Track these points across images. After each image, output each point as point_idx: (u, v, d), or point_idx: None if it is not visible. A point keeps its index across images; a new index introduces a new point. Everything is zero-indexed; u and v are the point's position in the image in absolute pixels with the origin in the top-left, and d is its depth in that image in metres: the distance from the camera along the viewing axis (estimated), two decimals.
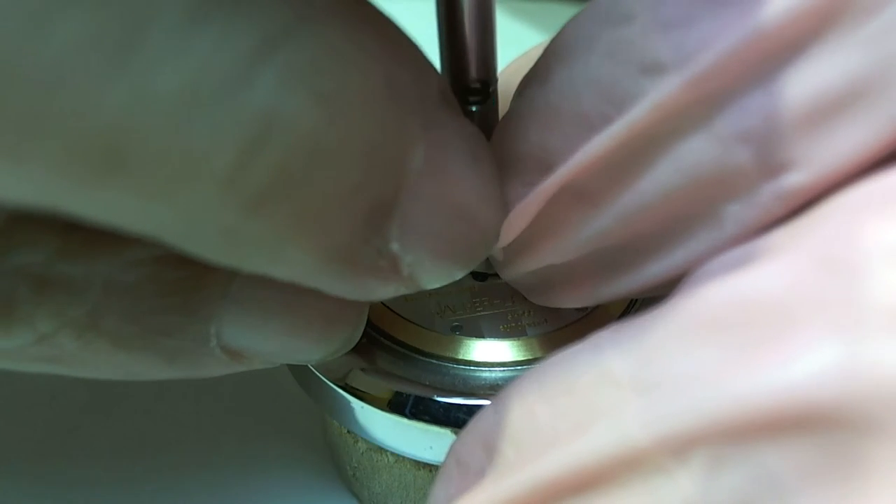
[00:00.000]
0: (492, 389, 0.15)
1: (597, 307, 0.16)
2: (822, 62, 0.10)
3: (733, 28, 0.10)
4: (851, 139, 0.10)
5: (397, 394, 0.15)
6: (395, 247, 0.11)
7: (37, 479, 0.18)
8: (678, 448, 0.09)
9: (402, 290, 0.12)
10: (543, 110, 0.12)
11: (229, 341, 0.13)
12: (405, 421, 0.15)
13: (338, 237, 0.10)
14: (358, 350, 0.15)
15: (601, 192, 0.12)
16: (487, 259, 0.15)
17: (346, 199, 0.10)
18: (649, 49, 0.11)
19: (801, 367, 0.09)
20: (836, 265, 0.09)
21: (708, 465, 0.09)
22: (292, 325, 0.13)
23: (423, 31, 0.13)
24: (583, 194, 0.12)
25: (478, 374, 0.15)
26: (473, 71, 0.14)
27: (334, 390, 0.15)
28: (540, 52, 0.13)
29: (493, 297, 0.16)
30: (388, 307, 0.16)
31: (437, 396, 0.15)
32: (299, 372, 0.16)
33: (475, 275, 0.17)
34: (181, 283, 0.13)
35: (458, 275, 0.12)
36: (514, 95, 0.13)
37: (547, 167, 0.12)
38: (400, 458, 0.16)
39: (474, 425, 0.11)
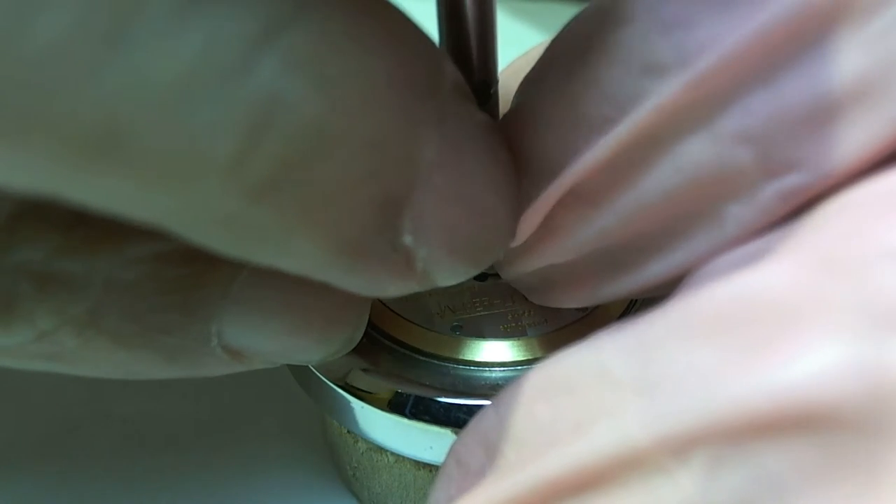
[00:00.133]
0: (492, 389, 0.15)
1: (597, 307, 0.16)
2: (822, 63, 0.10)
3: (734, 29, 0.10)
4: (852, 139, 0.10)
5: (397, 394, 0.15)
6: (408, 240, 0.11)
7: (37, 478, 0.18)
8: (678, 448, 0.09)
9: (416, 287, 0.11)
10: (545, 112, 0.12)
11: (230, 340, 0.13)
12: (405, 421, 0.15)
13: (348, 229, 0.10)
14: (358, 350, 0.15)
15: (602, 193, 0.12)
16: None
17: (354, 189, 0.10)
18: (650, 50, 0.11)
19: (802, 368, 0.09)
20: (838, 265, 0.09)
21: (708, 466, 0.09)
22: (293, 325, 0.13)
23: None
24: (583, 194, 0.12)
25: (478, 374, 0.15)
26: (474, 72, 0.14)
27: (334, 390, 0.15)
28: (540, 52, 0.13)
29: (493, 297, 0.16)
30: (388, 307, 0.16)
31: (438, 396, 0.15)
32: (299, 372, 0.16)
33: (475, 275, 0.17)
34: (182, 282, 0.13)
35: (474, 271, 0.12)
36: (514, 96, 0.13)
37: (550, 170, 0.12)
38: (400, 458, 0.16)
39: (474, 425, 0.11)
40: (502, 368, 0.15)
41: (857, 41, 0.10)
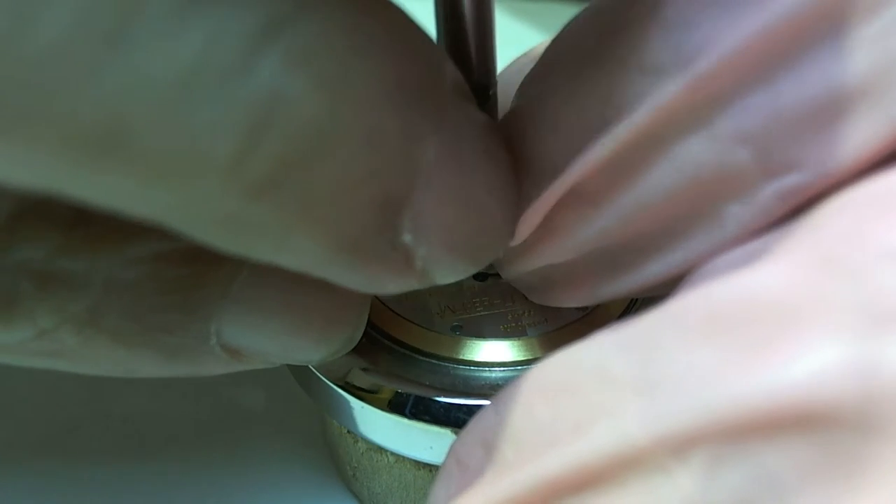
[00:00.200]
0: (492, 389, 0.15)
1: (597, 307, 0.16)
2: (822, 63, 0.10)
3: (734, 29, 0.10)
4: (852, 140, 0.10)
5: (397, 394, 0.15)
6: (407, 239, 0.11)
7: (37, 478, 0.18)
8: (678, 447, 0.09)
9: (416, 285, 0.11)
10: (544, 113, 0.12)
11: (229, 340, 0.13)
12: (405, 421, 0.15)
13: (348, 227, 0.10)
14: (358, 350, 0.15)
15: (602, 193, 0.12)
16: None
17: (354, 188, 0.10)
18: (650, 50, 0.11)
19: (801, 367, 0.09)
20: (838, 265, 0.09)
21: (708, 465, 0.09)
22: (292, 325, 0.13)
23: None
24: (583, 194, 0.12)
25: (478, 374, 0.15)
26: (473, 72, 0.14)
27: (334, 390, 0.15)
28: (540, 52, 0.13)
29: (493, 297, 0.16)
30: (388, 307, 0.16)
31: (438, 396, 0.15)
32: (299, 372, 0.16)
33: (475, 275, 0.17)
34: (182, 281, 0.13)
35: (472, 270, 0.12)
36: (514, 97, 0.13)
37: (549, 171, 0.12)
38: (400, 458, 0.16)
39: (474, 425, 0.11)
40: (502, 368, 0.15)
41: (856, 41, 0.10)
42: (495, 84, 0.14)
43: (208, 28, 0.08)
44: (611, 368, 0.10)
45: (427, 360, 0.15)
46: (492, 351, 0.15)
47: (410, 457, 0.15)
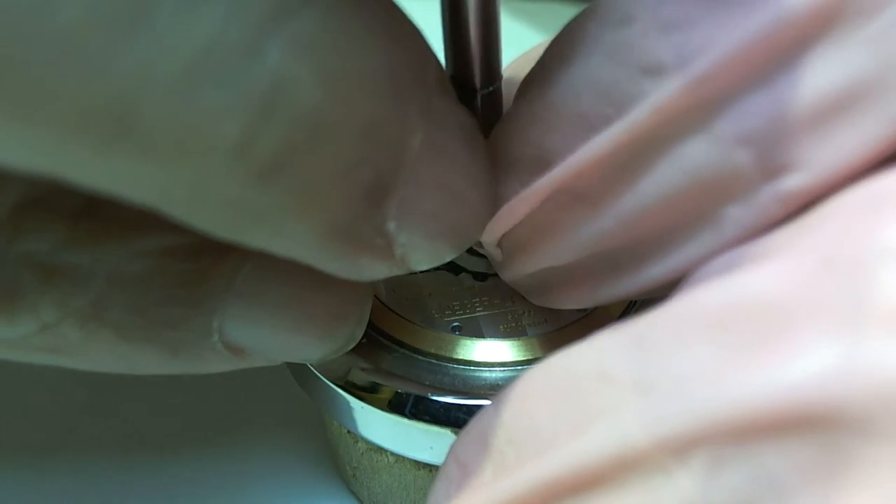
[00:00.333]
0: (492, 389, 0.15)
1: (597, 307, 0.16)
2: (822, 64, 0.10)
3: (734, 30, 0.10)
4: (852, 141, 0.10)
5: (397, 394, 0.15)
6: (391, 226, 0.11)
7: (37, 478, 0.18)
8: (678, 448, 0.09)
9: (393, 271, 0.12)
10: (543, 110, 0.12)
11: (232, 336, 0.13)
12: (405, 421, 0.15)
13: (339, 213, 0.10)
14: (358, 350, 0.15)
15: (600, 195, 0.12)
16: (487, 259, 0.15)
17: (347, 175, 0.10)
18: (650, 50, 0.11)
19: (800, 368, 0.09)
20: (837, 266, 0.09)
21: (708, 466, 0.09)
22: (295, 321, 0.13)
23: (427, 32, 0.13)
24: (582, 196, 0.12)
25: (478, 374, 0.15)
26: (477, 71, 0.14)
27: (334, 390, 0.15)
28: (540, 52, 0.13)
29: (493, 297, 0.16)
30: (388, 307, 0.16)
31: (438, 396, 0.15)
32: (299, 371, 0.16)
33: (476, 275, 0.17)
34: (186, 275, 0.13)
35: (447, 257, 0.12)
36: (515, 96, 0.13)
37: (545, 166, 0.12)
38: (400, 458, 0.16)
39: (474, 425, 0.11)
40: (502, 368, 0.15)
41: (855, 42, 0.10)
42: (500, 78, 0.14)
43: (221, 12, 0.08)
44: (610, 369, 0.10)
45: (427, 360, 0.15)
46: (492, 351, 0.15)
47: (410, 457, 0.15)
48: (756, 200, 0.11)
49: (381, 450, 0.16)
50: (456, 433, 0.14)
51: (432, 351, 0.15)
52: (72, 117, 0.08)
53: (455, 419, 0.14)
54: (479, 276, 0.17)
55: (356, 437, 0.16)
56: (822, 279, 0.09)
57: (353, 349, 0.14)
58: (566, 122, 0.12)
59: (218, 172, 0.09)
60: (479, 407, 0.14)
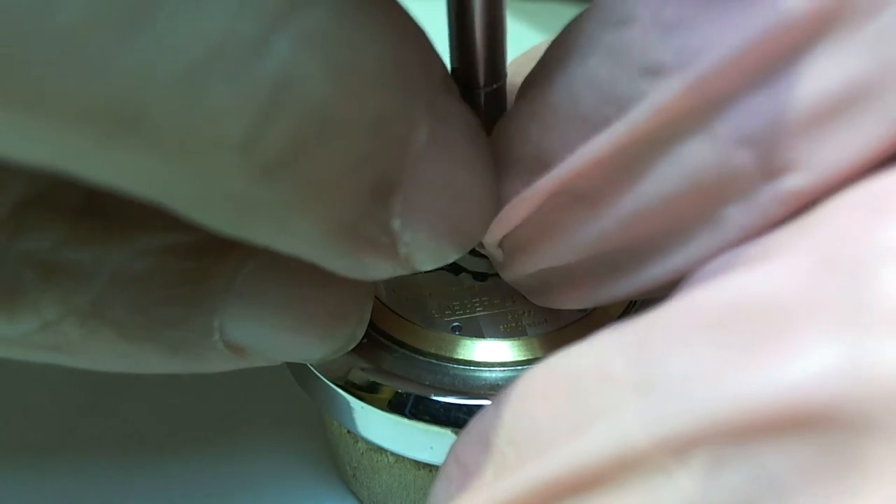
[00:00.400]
0: (492, 389, 0.15)
1: (597, 307, 0.16)
2: (822, 65, 0.10)
3: (734, 31, 0.10)
4: (852, 142, 0.10)
5: (397, 394, 0.15)
6: (396, 224, 0.11)
7: (37, 478, 0.18)
8: (678, 448, 0.09)
9: (398, 271, 0.12)
10: (544, 111, 0.12)
11: (232, 335, 0.13)
12: (405, 421, 0.15)
13: (344, 211, 0.10)
14: (358, 350, 0.15)
15: (601, 195, 0.12)
16: (488, 259, 0.15)
17: (354, 172, 0.10)
18: (650, 51, 0.11)
19: (800, 368, 0.09)
20: (837, 265, 0.09)
21: (708, 466, 0.09)
22: (296, 320, 0.13)
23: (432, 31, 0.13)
24: (582, 197, 0.12)
25: (478, 374, 0.15)
26: (482, 68, 0.14)
27: (334, 390, 0.15)
28: (540, 52, 0.13)
29: (493, 297, 0.16)
30: (388, 307, 0.16)
31: (438, 396, 0.15)
32: (299, 371, 0.16)
33: (475, 275, 0.17)
34: (188, 274, 0.13)
35: (451, 257, 0.12)
36: (515, 96, 0.13)
37: (544, 167, 0.12)
38: (400, 458, 0.16)
39: (474, 425, 0.11)
40: (502, 368, 0.15)
41: (855, 43, 0.10)
42: (504, 75, 0.14)
43: (227, 7, 0.08)
44: (610, 369, 0.10)
45: (427, 360, 0.15)
46: (492, 351, 0.15)
47: (410, 457, 0.15)
48: (756, 201, 0.11)
49: (381, 450, 0.16)
50: (456, 433, 0.14)
51: (432, 351, 0.15)
52: (75, 113, 0.08)
53: (455, 419, 0.14)
54: (480, 276, 0.17)
55: (356, 437, 0.16)
56: (822, 279, 0.09)
57: (353, 349, 0.14)
58: (566, 122, 0.12)
59: (224, 168, 0.09)
60: (479, 407, 0.14)
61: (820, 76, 0.10)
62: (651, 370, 0.10)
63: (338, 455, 0.18)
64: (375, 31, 0.10)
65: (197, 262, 0.13)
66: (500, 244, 0.14)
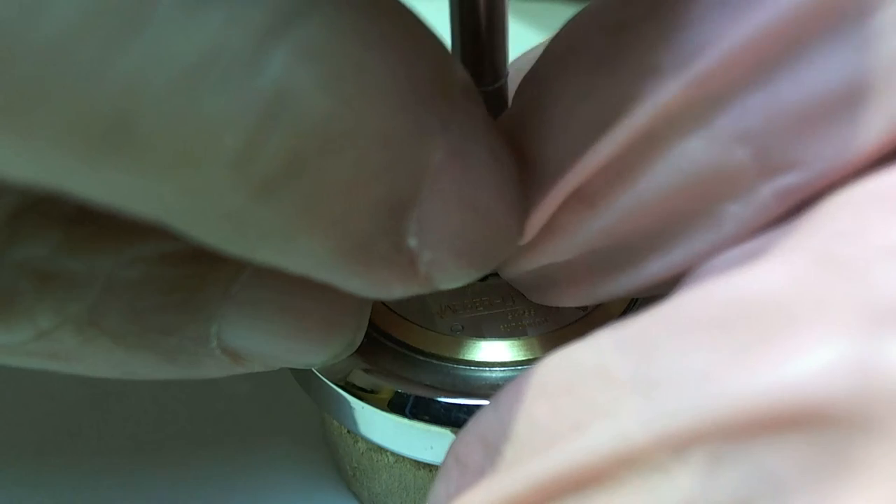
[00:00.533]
0: (492, 389, 0.15)
1: (597, 307, 0.16)
2: (820, 62, 0.10)
3: (732, 29, 0.10)
4: (850, 139, 0.10)
5: (397, 394, 0.15)
6: (412, 243, 0.10)
7: (37, 479, 0.18)
8: (677, 446, 0.09)
9: (419, 290, 0.11)
10: (543, 114, 0.12)
11: (229, 342, 0.13)
12: (405, 421, 0.15)
13: (353, 229, 0.10)
14: (358, 350, 0.15)
15: (601, 193, 0.12)
16: None
17: (361, 189, 0.10)
18: (649, 50, 0.11)
19: (800, 366, 0.09)
20: (837, 264, 0.09)
21: (707, 464, 0.09)
22: (293, 327, 0.13)
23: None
24: (582, 195, 0.12)
25: (478, 374, 0.15)
26: (483, 69, 0.14)
27: (334, 390, 0.15)
28: (540, 52, 0.13)
29: (493, 297, 0.16)
30: (388, 307, 0.16)
31: (438, 396, 0.15)
32: (299, 372, 0.16)
33: None
34: (184, 282, 0.13)
35: (476, 275, 0.12)
36: (513, 98, 0.13)
37: (552, 172, 0.12)
38: (400, 458, 0.16)
39: (474, 424, 0.11)
40: (502, 368, 0.15)
41: (854, 41, 0.10)
42: (506, 75, 0.14)
43: (220, 20, 0.08)
44: (610, 368, 0.10)
45: (427, 360, 0.15)
46: (492, 351, 0.15)
47: (410, 457, 0.15)
48: (755, 198, 0.11)
49: (381, 450, 0.16)
50: (456, 433, 0.14)
51: (433, 351, 0.15)
52: (64, 127, 0.08)
53: (455, 419, 0.14)
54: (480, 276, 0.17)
55: (356, 437, 0.16)
56: (821, 277, 0.09)
57: None
58: (568, 125, 0.12)
59: (219, 185, 0.09)
60: (479, 407, 0.14)
61: (818, 74, 0.10)
62: (650, 368, 0.09)
63: (338, 455, 0.18)
64: (380, 43, 0.09)
65: (193, 269, 0.13)
66: None
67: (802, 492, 0.09)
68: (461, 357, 0.15)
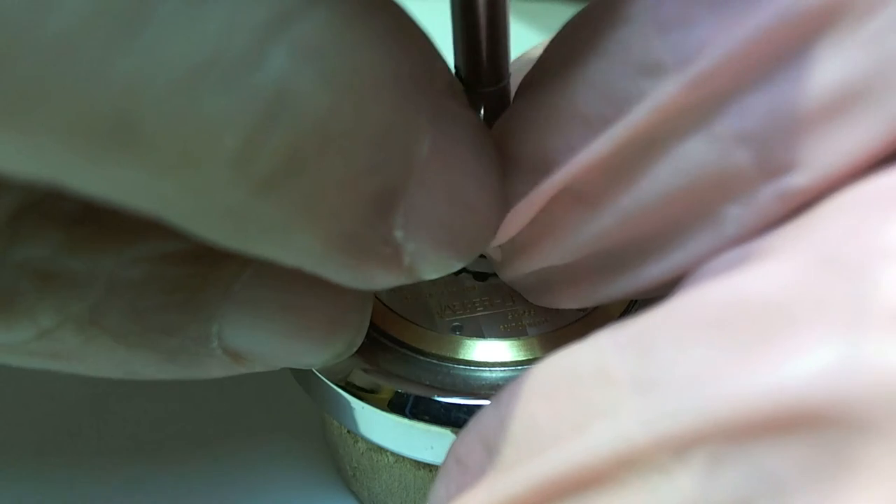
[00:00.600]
0: (492, 389, 0.15)
1: (597, 307, 0.16)
2: (822, 63, 0.10)
3: (733, 29, 0.10)
4: (852, 140, 0.10)
5: (397, 394, 0.15)
6: (399, 235, 0.11)
7: (37, 480, 0.18)
8: (677, 447, 0.09)
9: (402, 280, 0.12)
10: (543, 111, 0.12)
11: (230, 342, 0.13)
12: (405, 421, 0.15)
13: (346, 223, 0.10)
14: (358, 350, 0.15)
15: (600, 194, 0.12)
16: (488, 259, 0.15)
17: (355, 183, 0.10)
18: (648, 50, 0.11)
19: (799, 367, 0.09)
20: (836, 265, 0.09)
21: (707, 465, 0.09)
22: (294, 327, 0.13)
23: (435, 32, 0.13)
24: (582, 196, 0.12)
25: (478, 374, 0.15)
26: (485, 70, 0.14)
27: (334, 390, 0.15)
28: (540, 52, 0.13)
29: (493, 297, 0.16)
30: (388, 307, 0.16)
31: (438, 396, 0.15)
32: (299, 372, 0.16)
33: (476, 275, 0.17)
34: (185, 281, 0.13)
35: (456, 266, 0.12)
36: (514, 96, 0.13)
37: (546, 168, 0.12)
38: (400, 458, 0.16)
39: (474, 425, 0.11)
40: (502, 368, 0.15)
41: (855, 41, 0.10)
42: (508, 76, 0.14)
43: (221, 18, 0.08)
44: (610, 368, 0.10)
45: (427, 360, 0.15)
46: (492, 351, 0.15)
47: (410, 457, 0.15)
48: (756, 199, 0.11)
49: (381, 450, 0.16)
50: (456, 433, 0.14)
51: (433, 351, 0.15)
52: (66, 125, 0.08)
53: (455, 419, 0.14)
54: (480, 276, 0.17)
55: (356, 437, 0.16)
56: (822, 278, 0.09)
57: None
58: (566, 122, 0.12)
59: (220, 181, 0.09)
60: (479, 407, 0.14)
61: (819, 74, 0.10)
62: (650, 369, 0.10)
63: (338, 455, 0.18)
64: (375, 40, 0.10)
65: (195, 269, 0.13)
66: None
67: (802, 492, 0.09)
68: (461, 357, 0.15)
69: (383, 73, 0.10)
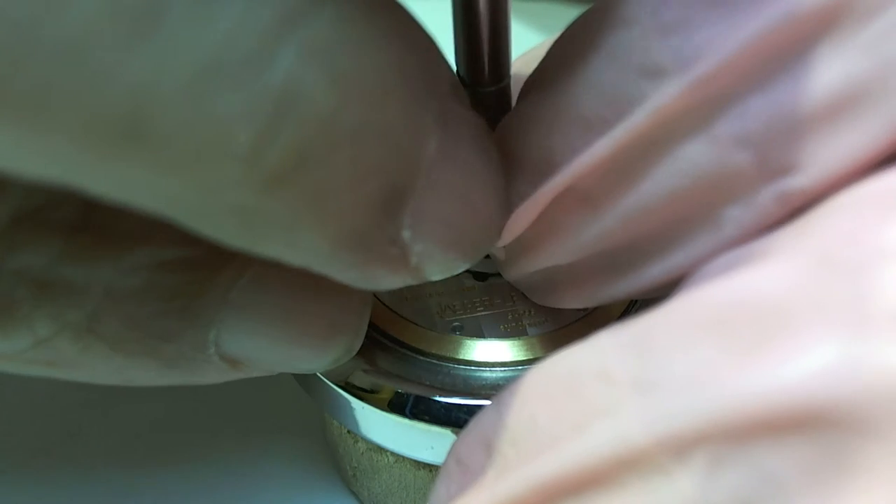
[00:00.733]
0: (492, 389, 0.15)
1: (597, 307, 0.16)
2: (822, 65, 0.10)
3: (733, 32, 0.10)
4: (852, 142, 0.10)
5: (398, 394, 0.15)
6: (406, 234, 0.11)
7: (37, 481, 0.18)
8: (678, 448, 0.09)
9: (408, 281, 0.12)
10: (545, 113, 0.12)
11: (228, 348, 0.13)
12: (405, 421, 0.15)
13: (353, 222, 0.10)
14: (358, 350, 0.15)
15: (602, 195, 0.12)
16: (489, 259, 0.15)
17: (362, 182, 0.10)
18: (650, 53, 0.11)
19: (800, 367, 0.09)
20: (837, 265, 0.09)
21: (707, 465, 0.09)
22: (292, 333, 0.13)
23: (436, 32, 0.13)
24: (584, 197, 0.12)
25: (478, 374, 0.15)
26: (486, 70, 0.14)
27: (334, 390, 0.15)
28: (541, 52, 0.13)
29: (493, 297, 0.16)
30: (388, 307, 0.16)
31: (438, 396, 0.15)
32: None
33: (476, 275, 0.17)
34: (183, 288, 0.13)
35: (463, 267, 0.12)
36: (517, 98, 0.13)
37: (548, 169, 0.12)
38: (400, 458, 0.16)
39: (475, 425, 0.11)
40: (502, 368, 0.15)
41: (854, 44, 0.10)
42: (509, 76, 0.14)
43: (231, 19, 0.08)
44: (610, 369, 0.10)
45: (427, 360, 0.15)
46: (492, 351, 0.15)
47: (411, 457, 0.15)
48: (756, 201, 0.11)
49: (381, 450, 0.16)
50: (456, 433, 0.14)
51: (433, 351, 0.15)
52: (79, 124, 0.08)
53: (455, 419, 0.14)
54: (480, 276, 0.17)
55: (356, 437, 0.16)
56: (822, 279, 0.09)
57: None
58: (568, 124, 0.12)
59: (229, 180, 0.09)
60: (479, 407, 0.14)
61: (819, 77, 0.10)
62: (651, 370, 0.10)
63: (338, 455, 0.18)
64: (381, 41, 0.10)
65: (192, 276, 0.13)
66: None
67: (802, 493, 0.09)
68: (461, 357, 0.15)
69: (390, 73, 0.10)
